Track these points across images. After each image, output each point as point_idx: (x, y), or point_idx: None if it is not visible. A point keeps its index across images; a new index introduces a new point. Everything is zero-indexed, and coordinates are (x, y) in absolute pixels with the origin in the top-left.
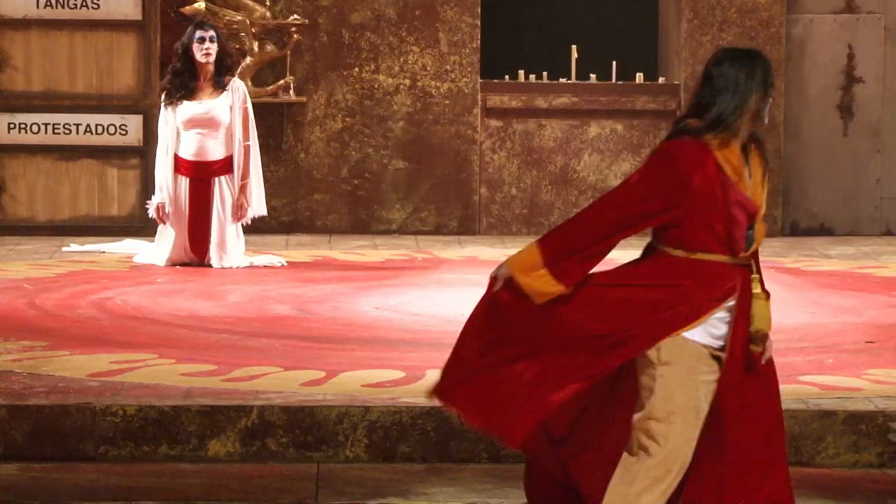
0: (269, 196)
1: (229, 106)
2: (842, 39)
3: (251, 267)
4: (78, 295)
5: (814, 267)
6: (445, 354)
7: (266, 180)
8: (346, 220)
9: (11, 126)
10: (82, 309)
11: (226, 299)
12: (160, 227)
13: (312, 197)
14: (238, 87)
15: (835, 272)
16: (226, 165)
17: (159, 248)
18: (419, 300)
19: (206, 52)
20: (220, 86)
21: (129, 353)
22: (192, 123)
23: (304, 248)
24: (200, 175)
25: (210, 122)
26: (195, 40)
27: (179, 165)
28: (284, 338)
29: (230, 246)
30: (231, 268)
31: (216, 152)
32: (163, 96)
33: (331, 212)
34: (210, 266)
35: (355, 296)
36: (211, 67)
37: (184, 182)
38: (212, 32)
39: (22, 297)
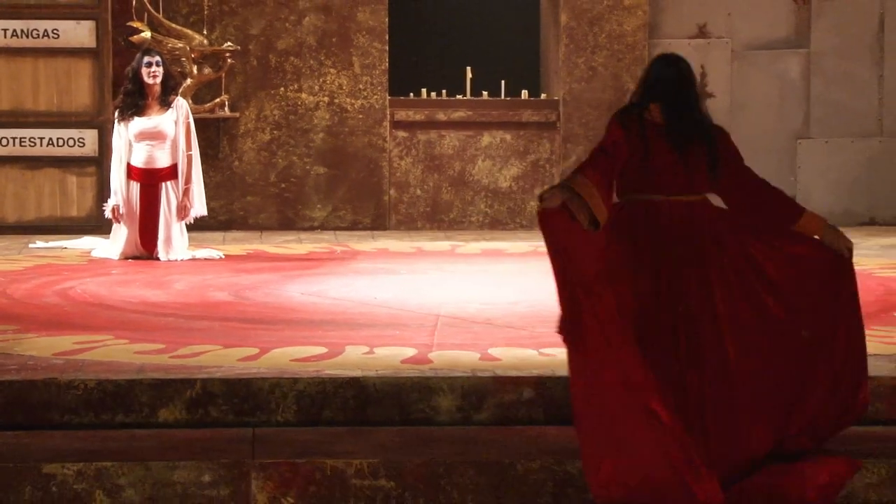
0: (209, 198)
1: (174, 121)
2: (695, 60)
3: (193, 259)
4: (43, 285)
5: None
6: (360, 332)
7: (206, 185)
8: (275, 219)
9: None
10: (47, 297)
11: (172, 287)
12: (115, 226)
13: (245, 199)
14: (181, 105)
15: None
16: (171, 172)
17: (114, 243)
18: (338, 286)
19: (152, 74)
20: (165, 104)
21: (89, 334)
22: (143, 136)
23: (239, 243)
24: (149, 181)
25: (158, 135)
26: (143, 65)
27: (131, 172)
28: (223, 320)
29: (175, 241)
30: (176, 260)
31: (163, 161)
32: (116, 113)
33: (261, 211)
34: (158, 259)
35: (283, 283)
36: (157, 88)
37: (135, 187)
38: (157, 58)
39: None
